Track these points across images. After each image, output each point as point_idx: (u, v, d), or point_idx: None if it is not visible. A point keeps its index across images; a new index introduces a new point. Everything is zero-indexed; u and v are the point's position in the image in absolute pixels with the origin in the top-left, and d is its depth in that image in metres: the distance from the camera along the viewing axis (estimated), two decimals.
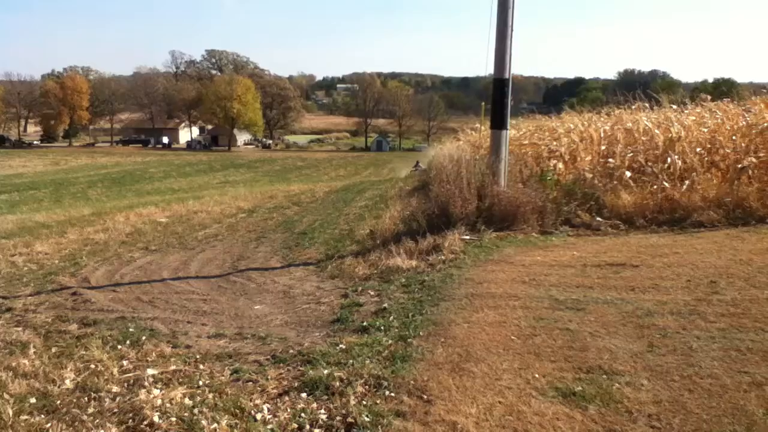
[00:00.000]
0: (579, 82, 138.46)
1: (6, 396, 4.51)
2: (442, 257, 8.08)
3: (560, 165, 12.03)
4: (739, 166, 10.10)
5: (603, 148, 12.31)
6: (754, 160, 10.22)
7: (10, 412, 4.19)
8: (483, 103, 15.90)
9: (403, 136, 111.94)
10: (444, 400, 3.96)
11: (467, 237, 9.05)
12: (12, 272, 10.31)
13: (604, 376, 4.16)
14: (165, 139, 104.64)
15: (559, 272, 6.99)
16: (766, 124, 10.95)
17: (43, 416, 4.20)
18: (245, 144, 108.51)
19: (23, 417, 4.17)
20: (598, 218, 9.71)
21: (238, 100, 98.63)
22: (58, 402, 4.42)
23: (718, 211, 9.29)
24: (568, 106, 19.39)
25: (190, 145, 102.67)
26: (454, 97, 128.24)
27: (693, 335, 4.80)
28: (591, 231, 9.40)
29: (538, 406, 3.81)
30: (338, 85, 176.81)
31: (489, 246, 8.66)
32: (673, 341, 4.71)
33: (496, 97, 10.60)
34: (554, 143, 13.66)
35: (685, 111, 13.25)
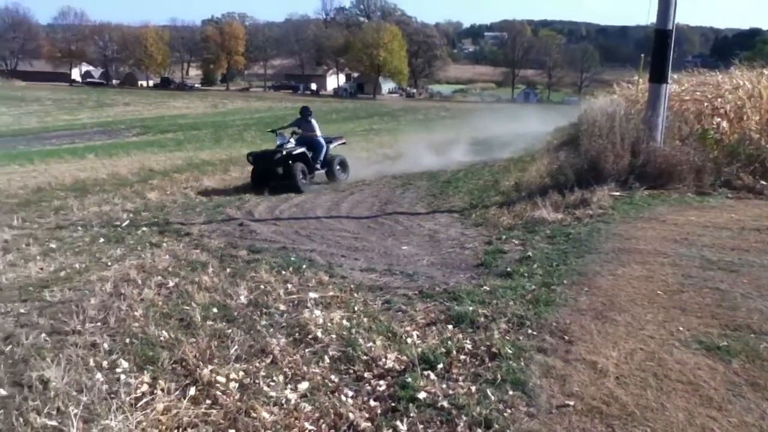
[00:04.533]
0: (754, 33, 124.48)
1: (193, 304, 5.27)
2: (590, 212, 8.06)
3: (724, 123, 11.30)
4: None
5: None
6: None
7: (198, 318, 4.91)
8: (642, 55, 15.15)
9: (552, 89, 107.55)
10: (585, 342, 4.15)
11: (617, 193, 8.92)
12: (186, 203, 11.56)
13: (752, 335, 4.13)
14: (313, 86, 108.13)
15: (714, 234, 6.78)
16: None
17: (224, 323, 4.87)
18: (389, 93, 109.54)
19: (209, 322, 4.88)
20: (763, 182, 9.14)
21: (385, 48, 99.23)
22: (236, 313, 5.10)
23: None
24: (738, 61, 17.81)
25: (337, 93, 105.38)
26: (610, 47, 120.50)
27: None
28: (753, 194, 8.88)
29: (679, 356, 3.89)
30: (486, 33, 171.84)
31: (640, 203, 8.49)
32: None
33: (656, 48, 10.16)
34: (719, 100, 12.79)
35: None
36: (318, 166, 14.08)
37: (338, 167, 14.80)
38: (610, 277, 5.51)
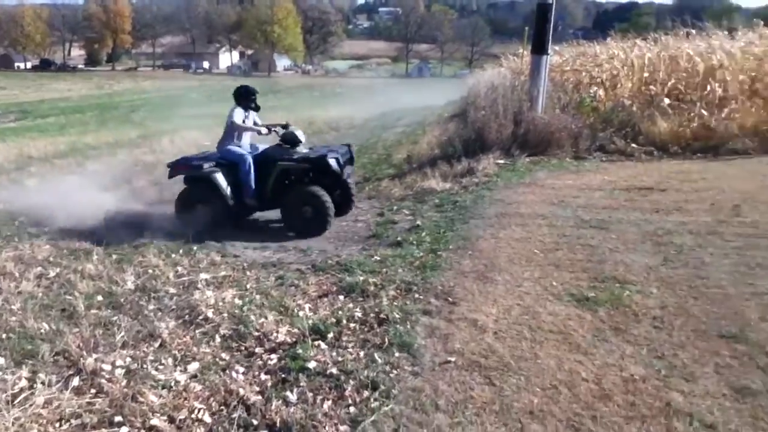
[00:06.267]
0: (632, 6, 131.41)
1: (76, 293, 5.07)
2: (476, 180, 8.38)
3: (600, 92, 11.99)
4: None
5: (646, 75, 12.17)
6: None
7: (82, 307, 4.73)
8: (527, 28, 15.73)
9: (445, 63, 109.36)
10: (467, 302, 4.37)
11: (501, 161, 9.31)
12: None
13: (617, 285, 4.51)
14: (205, 64, 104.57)
15: (588, 195, 7.26)
16: None
17: (110, 311, 4.72)
18: (285, 70, 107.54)
19: (93, 311, 4.71)
20: (633, 145, 9.82)
21: (279, 25, 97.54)
22: (122, 300, 4.94)
23: (754, 139, 9.34)
24: (614, 32, 18.78)
25: (230, 71, 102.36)
26: (499, 21, 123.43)
27: (707, 252, 5.08)
28: (625, 157, 9.56)
29: (552, 308, 4.19)
30: (380, 9, 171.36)
31: (522, 170, 8.91)
32: (687, 257, 5.01)
33: (538, 21, 10.62)
34: (596, 70, 13.53)
35: (735, 38, 12.89)
36: None
37: None
38: (492, 240, 5.80)
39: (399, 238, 6.15)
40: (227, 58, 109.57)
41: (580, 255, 5.22)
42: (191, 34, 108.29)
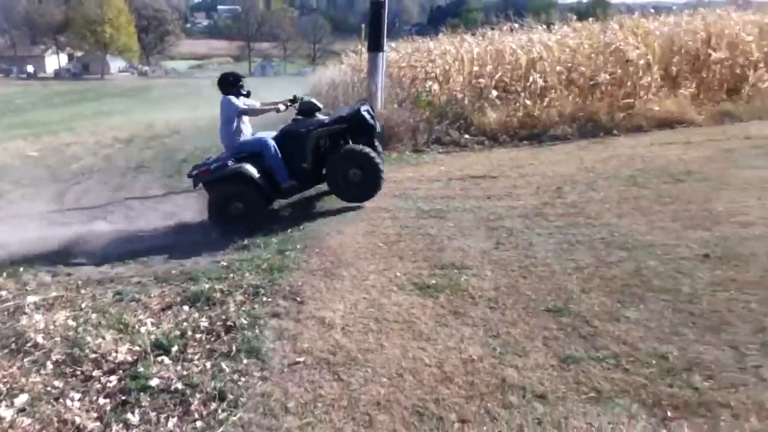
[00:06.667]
0: (463, 2, 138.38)
1: None
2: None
3: (435, 86, 12.49)
4: (592, 82, 11.00)
5: (476, 69, 12.85)
6: (607, 76, 11.12)
7: None
8: (363, 26, 15.98)
9: (288, 60, 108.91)
10: (315, 300, 4.41)
11: None
12: None
13: (456, 271, 4.75)
14: (30, 68, 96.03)
15: (427, 186, 7.58)
16: (618, 44, 11.84)
17: None
18: (120, 71, 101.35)
19: None
20: (466, 136, 10.38)
21: (110, 24, 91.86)
22: None
23: (572, 125, 10.23)
24: (446, 28, 19.67)
25: (59, 74, 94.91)
26: (339, 18, 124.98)
27: (535, 233, 5.50)
28: (459, 148, 10.08)
29: (396, 299, 4.35)
30: (219, 7, 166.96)
31: None
32: (517, 239, 5.39)
33: (372, 19, 10.82)
34: (430, 65, 14.05)
35: (552, 32, 13.96)
36: None
37: None
38: (339, 236, 5.89)
39: (246, 242, 6.06)
40: (54, 60, 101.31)
41: (421, 244, 5.45)
42: (11, 36, 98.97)
